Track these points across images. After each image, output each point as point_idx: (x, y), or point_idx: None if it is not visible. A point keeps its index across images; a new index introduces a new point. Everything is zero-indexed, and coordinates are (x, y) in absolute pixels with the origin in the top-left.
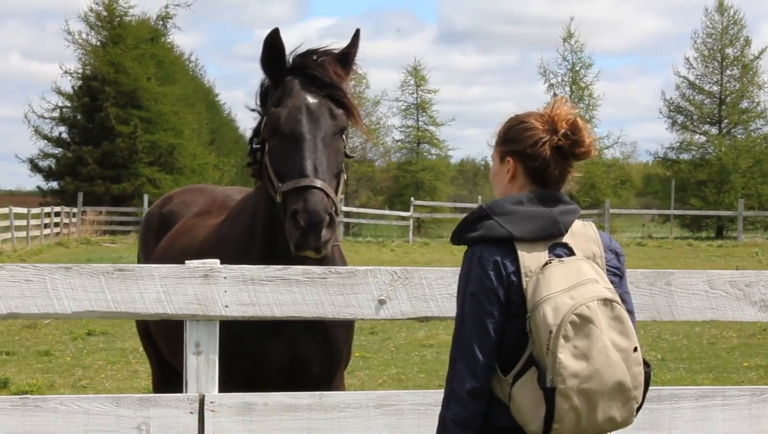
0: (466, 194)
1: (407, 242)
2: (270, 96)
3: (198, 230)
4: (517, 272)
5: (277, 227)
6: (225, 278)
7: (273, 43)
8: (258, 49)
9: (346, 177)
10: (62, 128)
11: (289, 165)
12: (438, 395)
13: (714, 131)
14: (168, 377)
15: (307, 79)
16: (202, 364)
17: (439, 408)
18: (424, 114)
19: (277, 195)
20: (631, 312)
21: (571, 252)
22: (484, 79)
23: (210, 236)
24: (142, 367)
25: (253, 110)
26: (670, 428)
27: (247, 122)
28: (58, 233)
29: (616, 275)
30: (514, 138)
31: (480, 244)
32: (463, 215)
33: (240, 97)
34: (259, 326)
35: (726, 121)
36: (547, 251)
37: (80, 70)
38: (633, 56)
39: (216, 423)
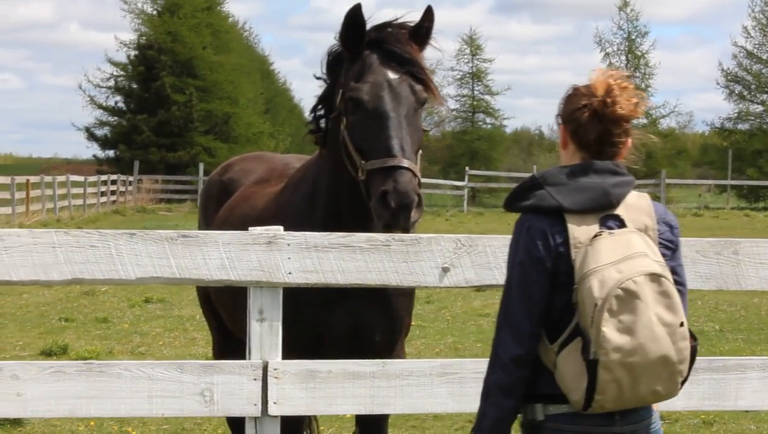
0: (521, 163)
1: (462, 212)
2: (346, 69)
3: (257, 198)
4: (566, 243)
5: (341, 194)
6: (288, 244)
7: (354, 19)
8: (314, 19)
9: (421, 152)
10: (118, 97)
11: (375, 143)
12: None
13: None
14: (228, 344)
15: (386, 55)
16: (265, 331)
17: None
18: (480, 83)
19: (360, 172)
20: (683, 284)
21: (622, 224)
22: (540, 49)
23: (269, 203)
24: (199, 334)
25: (318, 78)
26: (736, 398)
27: (302, 91)
28: (114, 201)
29: (669, 248)
30: (563, 105)
31: (530, 213)
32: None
33: (295, 67)
34: (321, 294)
35: None
36: (597, 223)
37: (136, 40)
38: (690, 26)
39: (279, 389)
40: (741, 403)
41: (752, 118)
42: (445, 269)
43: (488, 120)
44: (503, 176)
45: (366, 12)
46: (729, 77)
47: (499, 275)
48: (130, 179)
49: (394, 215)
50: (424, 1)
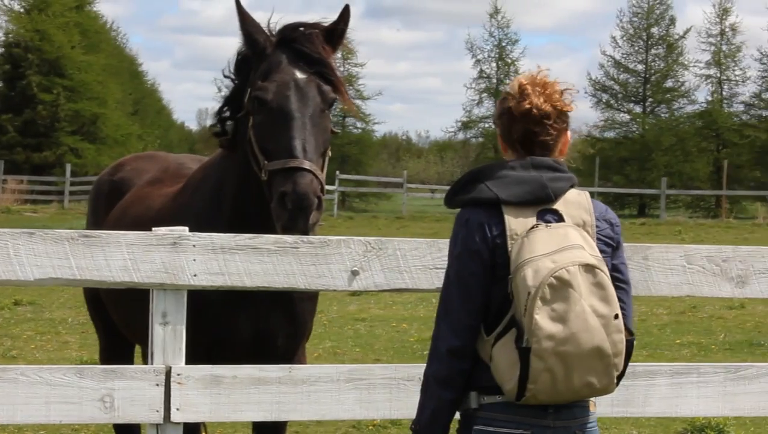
0: (390, 168)
1: (332, 216)
2: (254, 68)
3: (153, 199)
4: (503, 235)
5: (249, 196)
6: (194, 246)
7: (240, 10)
8: (184, 21)
9: (330, 154)
10: None
11: (277, 144)
12: (409, 369)
13: (638, 109)
14: (117, 348)
15: (295, 54)
16: (168, 335)
17: (411, 382)
18: (351, 88)
19: (263, 173)
20: (626, 282)
21: (560, 219)
22: (411, 55)
23: (167, 204)
24: (72, 338)
25: (226, 77)
26: (644, 405)
27: (170, 93)
28: None
29: (609, 245)
30: (496, 111)
31: (468, 207)
32: (388, 189)
33: (164, 68)
34: (223, 296)
35: (650, 100)
36: (535, 217)
37: (2, 38)
38: (558, 35)
39: (183, 395)
40: (649, 410)
41: (619, 126)
42: (355, 273)
43: (359, 125)
44: (373, 180)
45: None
46: (597, 86)
47: (408, 279)
48: None
49: (292, 216)
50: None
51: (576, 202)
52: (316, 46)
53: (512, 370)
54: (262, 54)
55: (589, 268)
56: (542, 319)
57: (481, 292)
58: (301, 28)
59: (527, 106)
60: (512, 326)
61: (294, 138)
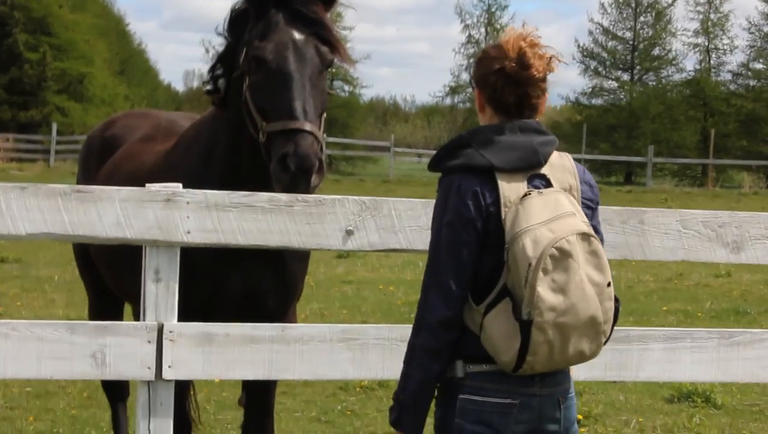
0: (377, 132)
1: None
2: (251, 28)
3: (144, 156)
4: (496, 202)
5: (242, 155)
6: (188, 203)
7: None
8: None
9: (326, 115)
10: None
11: (276, 105)
12: (403, 330)
13: (626, 77)
14: (106, 306)
15: (292, 14)
16: (161, 292)
17: (404, 343)
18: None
19: (260, 134)
20: (603, 243)
21: (548, 184)
22: (400, 19)
23: (158, 162)
24: (58, 295)
25: (219, 35)
26: (638, 369)
27: (157, 53)
28: None
29: (590, 207)
30: (475, 69)
31: (458, 173)
32: (375, 153)
33: (152, 28)
34: (214, 254)
35: (638, 67)
36: (525, 182)
37: None
38: (548, 1)
39: (175, 352)
40: (642, 374)
41: (606, 93)
42: (349, 232)
43: (346, 88)
44: (360, 144)
45: None
46: (585, 53)
47: (403, 240)
48: None
49: (294, 178)
50: None
51: (560, 165)
52: (313, 6)
53: (509, 341)
54: (260, 12)
55: (585, 236)
56: (544, 291)
57: (472, 261)
58: None
59: (533, 72)
60: (504, 295)
61: (294, 99)
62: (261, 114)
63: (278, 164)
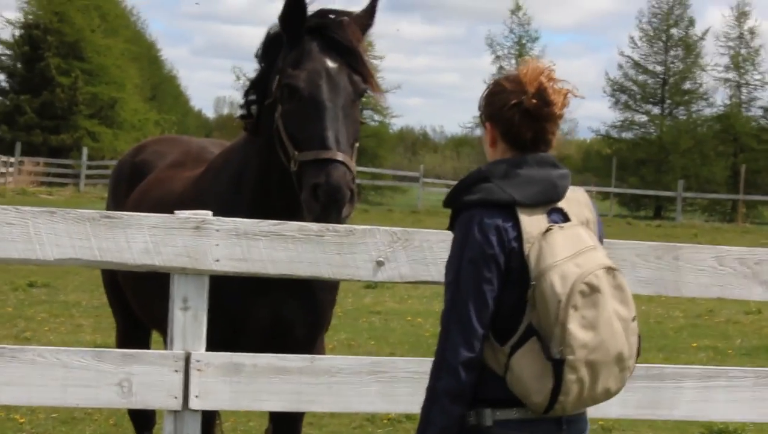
0: (406, 162)
1: None
2: (284, 55)
3: (174, 182)
4: (519, 238)
5: (271, 183)
6: (217, 230)
7: (296, 2)
8: (205, 8)
9: (358, 144)
10: (1, 76)
11: (309, 134)
12: None
13: (656, 110)
14: (134, 332)
15: (326, 42)
16: (189, 320)
17: None
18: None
19: (292, 162)
20: None
21: (566, 218)
22: (430, 50)
23: (188, 188)
24: (86, 321)
25: (256, 57)
26: (671, 408)
27: (188, 79)
28: None
29: (601, 239)
30: (488, 103)
31: (479, 208)
32: (404, 183)
33: (183, 55)
34: (242, 283)
35: (669, 101)
36: (546, 217)
37: (22, 19)
38: (579, 34)
39: (202, 382)
40: (676, 413)
41: (637, 127)
42: (380, 263)
43: (376, 117)
44: (389, 174)
45: None
46: (615, 86)
47: (435, 272)
48: (11, 160)
49: (326, 209)
50: None
51: (575, 199)
52: (347, 35)
53: (540, 382)
54: (293, 39)
55: (610, 270)
56: (575, 328)
57: (494, 299)
58: (332, 15)
59: (554, 109)
60: (530, 334)
61: (327, 129)
62: (293, 143)
63: (310, 194)
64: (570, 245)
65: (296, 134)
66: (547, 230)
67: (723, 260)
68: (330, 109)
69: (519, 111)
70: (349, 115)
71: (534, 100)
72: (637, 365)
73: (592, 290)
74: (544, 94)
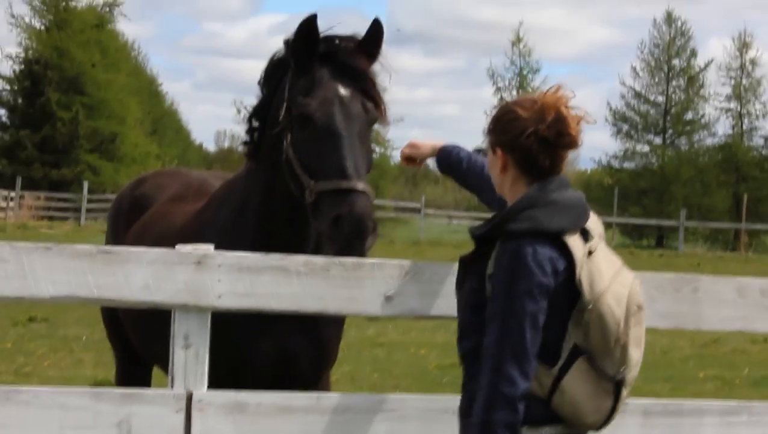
0: (407, 193)
1: None
2: (292, 83)
3: (175, 216)
4: (568, 264)
5: (275, 214)
6: (220, 265)
7: (309, 30)
8: (206, 43)
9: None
10: (1, 111)
11: (326, 163)
12: (445, 401)
13: (658, 141)
14: (135, 369)
15: (337, 68)
16: (190, 359)
17: (447, 414)
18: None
19: (307, 192)
20: None
21: (588, 235)
22: (431, 82)
23: (189, 222)
24: (86, 356)
25: (259, 84)
26: None
27: (189, 113)
28: None
29: None
30: (501, 129)
31: (528, 237)
32: (405, 214)
33: (184, 89)
34: (245, 318)
35: (670, 131)
36: (580, 237)
37: (22, 54)
38: (580, 65)
39: (204, 423)
40: None
41: (638, 157)
42: (389, 298)
43: (378, 149)
44: (390, 205)
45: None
46: (617, 116)
47: (445, 305)
48: (12, 194)
49: (349, 241)
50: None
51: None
52: (357, 60)
53: (596, 401)
54: (302, 67)
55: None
56: (632, 348)
57: (542, 327)
58: (338, 41)
59: (573, 138)
60: (576, 355)
61: (345, 158)
62: (308, 172)
63: (332, 226)
64: (609, 265)
65: (311, 164)
66: (589, 253)
67: (744, 292)
68: (347, 137)
69: (537, 139)
70: (364, 142)
71: (552, 129)
72: (654, 401)
73: (639, 309)
74: (564, 122)
